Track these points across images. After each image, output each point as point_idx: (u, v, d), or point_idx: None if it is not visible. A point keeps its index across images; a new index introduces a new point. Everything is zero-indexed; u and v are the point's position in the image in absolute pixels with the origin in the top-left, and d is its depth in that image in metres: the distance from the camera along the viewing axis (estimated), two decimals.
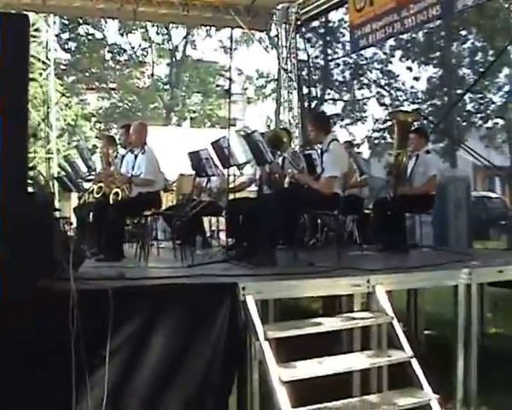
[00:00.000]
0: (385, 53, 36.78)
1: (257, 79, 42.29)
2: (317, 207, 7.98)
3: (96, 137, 34.56)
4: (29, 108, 5.76)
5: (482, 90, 33.70)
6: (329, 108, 35.91)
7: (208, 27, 36.60)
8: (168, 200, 12.32)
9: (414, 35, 32.23)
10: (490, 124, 36.61)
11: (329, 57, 37.29)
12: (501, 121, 36.38)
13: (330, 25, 36.06)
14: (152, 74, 43.78)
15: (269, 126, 38.48)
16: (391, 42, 32.48)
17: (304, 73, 21.78)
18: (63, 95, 21.36)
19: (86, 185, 11.02)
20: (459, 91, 34.59)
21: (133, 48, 41.57)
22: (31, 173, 11.56)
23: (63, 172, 12.19)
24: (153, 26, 39.08)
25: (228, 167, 8.52)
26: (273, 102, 41.39)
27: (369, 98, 38.52)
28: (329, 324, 5.96)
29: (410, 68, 36.71)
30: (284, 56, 18.08)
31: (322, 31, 35.49)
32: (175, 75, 42.54)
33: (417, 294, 8.94)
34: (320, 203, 7.71)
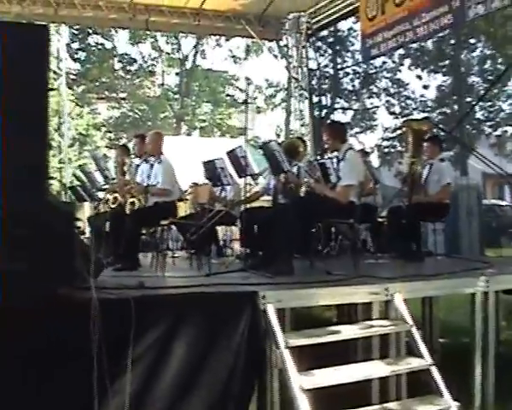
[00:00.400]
0: (394, 61, 36.83)
1: (266, 88, 42.43)
2: (333, 216, 7.99)
3: (107, 147, 34.70)
4: (49, 117, 5.79)
5: (492, 98, 33.67)
6: (339, 117, 35.88)
7: (218, 37, 36.62)
8: (181, 209, 12.34)
9: (423, 43, 32.19)
10: (499, 132, 36.54)
11: (339, 66, 37.35)
12: (511, 129, 36.33)
13: (339, 34, 36.13)
14: (162, 84, 43.86)
15: (278, 136, 38.52)
16: (400, 50, 32.47)
17: (314, 82, 21.79)
18: (77, 104, 21.38)
19: (100, 195, 11.05)
20: (469, 100, 34.59)
21: (143, 57, 41.71)
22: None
23: (77, 182, 12.23)
24: (162, 35, 39.16)
25: (244, 177, 8.52)
26: (282, 111, 41.53)
27: (378, 107, 38.57)
28: (349, 332, 5.99)
29: (419, 77, 36.77)
30: (294, 65, 18.11)
31: (331, 40, 35.54)
32: (185, 85, 42.56)
33: (432, 302, 8.93)
34: (337, 212, 7.72)
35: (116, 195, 9.48)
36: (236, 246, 11.69)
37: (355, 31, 35.33)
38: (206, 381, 5.16)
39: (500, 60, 32.61)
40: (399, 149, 36.12)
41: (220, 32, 21.01)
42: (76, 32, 36.46)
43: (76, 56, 38.23)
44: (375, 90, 38.22)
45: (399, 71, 37.35)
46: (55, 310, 4.68)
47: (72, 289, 5.01)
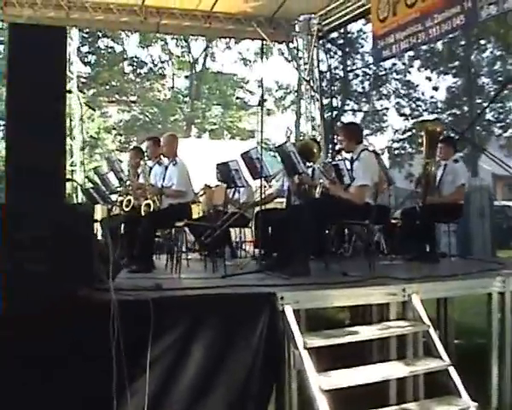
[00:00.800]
0: (404, 63, 36.83)
1: (276, 90, 42.41)
2: (348, 217, 7.98)
3: (118, 150, 34.75)
4: (66, 119, 5.82)
5: (502, 99, 33.61)
6: (349, 119, 35.89)
7: (228, 40, 36.67)
8: (194, 211, 12.36)
9: (433, 45, 32.16)
10: (509, 133, 36.47)
11: (348, 68, 37.35)
12: None
13: (349, 36, 36.15)
14: (172, 87, 43.87)
15: (289, 138, 38.49)
16: (410, 52, 32.46)
17: (324, 84, 21.77)
18: (90, 107, 21.33)
19: (113, 197, 11.08)
20: (479, 101, 34.55)
21: (153, 61, 41.73)
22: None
23: (90, 184, 12.27)
24: (172, 38, 39.22)
25: (258, 179, 8.52)
26: (292, 113, 41.53)
27: (388, 109, 38.56)
28: (367, 332, 5.99)
29: (429, 78, 36.73)
30: (305, 68, 18.12)
31: (341, 42, 35.55)
32: (195, 87, 42.56)
33: (447, 303, 8.92)
34: (352, 213, 7.71)
35: (130, 197, 9.52)
36: (249, 248, 11.71)
37: (365, 32, 35.49)
38: (225, 381, 5.17)
39: (510, 61, 32.57)
40: (410, 150, 36.13)
41: (231, 35, 21.08)
42: (86, 35, 36.53)
43: (86, 60, 38.33)
44: (385, 91, 38.22)
45: (409, 72, 37.36)
46: (74, 311, 4.69)
47: (91, 290, 5.03)
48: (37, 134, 5.12)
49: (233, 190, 10.41)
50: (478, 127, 33.78)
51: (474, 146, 29.96)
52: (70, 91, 19.28)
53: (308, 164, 9.15)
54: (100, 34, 36.82)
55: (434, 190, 9.32)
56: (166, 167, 9.13)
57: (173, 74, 43.78)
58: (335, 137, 19.61)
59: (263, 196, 8.89)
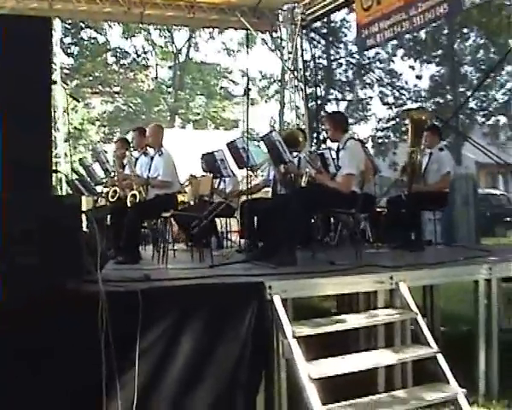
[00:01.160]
0: (387, 52, 36.86)
1: (260, 80, 42.39)
2: (335, 206, 7.99)
3: (102, 141, 34.62)
4: (52, 110, 5.78)
5: (485, 87, 33.70)
6: (333, 108, 35.95)
7: (211, 30, 36.56)
8: (179, 201, 12.33)
9: (416, 33, 32.19)
10: (492, 121, 36.60)
11: (332, 57, 37.35)
12: (503, 119, 36.41)
13: (333, 25, 36.12)
14: (155, 77, 43.75)
15: (273, 127, 38.48)
16: (393, 41, 32.47)
17: (307, 73, 21.79)
18: (74, 98, 21.25)
19: (98, 189, 11.05)
20: (462, 89, 34.66)
21: (136, 51, 41.55)
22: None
23: (75, 176, 12.21)
24: (155, 29, 39.08)
25: (244, 168, 8.52)
26: (276, 103, 41.52)
27: (371, 97, 38.60)
28: (355, 321, 6.01)
29: (412, 67, 36.79)
30: (289, 57, 18.11)
31: (324, 31, 35.50)
32: (178, 78, 42.45)
33: (433, 290, 8.96)
34: (338, 202, 7.72)
35: (115, 188, 9.50)
36: (234, 238, 11.71)
37: (348, 22, 35.48)
38: (214, 371, 5.18)
39: (493, 49, 32.68)
40: (393, 139, 36.22)
41: (214, 25, 20.96)
42: (68, 26, 36.26)
43: (69, 51, 38.08)
44: (369, 80, 38.24)
45: (392, 61, 37.36)
46: (63, 303, 4.68)
47: (80, 282, 5.02)
48: (22, 126, 5.08)
49: (219, 179, 10.39)
50: (461, 115, 33.86)
51: (459, 135, 30.05)
52: (55, 82, 19.12)
53: (294, 153, 9.15)
54: (83, 25, 36.61)
55: (420, 178, 9.34)
56: (152, 158, 9.09)
57: (157, 65, 43.68)
58: (320, 125, 19.65)
59: (249, 186, 8.88)
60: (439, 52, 35.74)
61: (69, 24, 35.53)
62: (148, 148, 9.35)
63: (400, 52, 36.56)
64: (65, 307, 4.69)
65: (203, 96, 42.72)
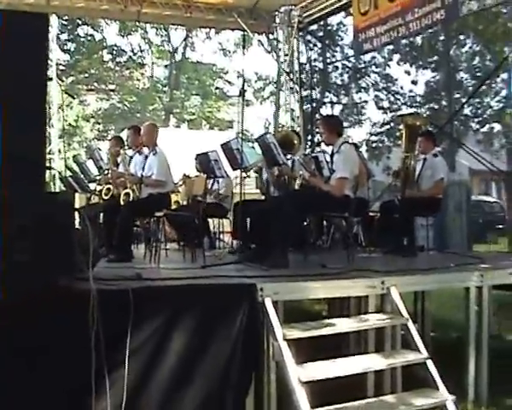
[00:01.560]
0: (383, 57, 36.77)
1: (255, 81, 42.31)
2: (328, 209, 8.00)
3: (96, 138, 34.58)
4: (47, 106, 5.78)
5: (480, 94, 33.72)
6: (328, 111, 35.84)
7: (207, 30, 36.51)
8: (173, 201, 12.31)
9: (412, 39, 32.20)
10: (486, 128, 36.61)
11: (328, 60, 37.31)
12: (498, 126, 36.42)
13: (329, 28, 36.09)
14: (151, 76, 43.66)
15: (267, 129, 38.46)
16: (389, 45, 32.46)
17: (303, 76, 21.78)
18: (69, 95, 21.22)
19: (91, 186, 11.02)
20: (457, 96, 34.68)
21: (132, 49, 41.44)
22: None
23: (68, 173, 12.18)
24: (152, 27, 38.95)
25: (238, 169, 8.52)
26: (271, 104, 41.50)
27: (367, 102, 38.56)
28: (346, 325, 6.02)
29: (408, 72, 36.74)
30: (285, 59, 18.12)
31: (320, 34, 35.47)
32: (174, 77, 42.36)
33: (424, 296, 8.97)
34: (331, 205, 7.73)
35: (109, 186, 9.50)
36: (227, 238, 11.71)
37: (345, 25, 35.42)
38: (204, 372, 5.19)
39: (489, 57, 32.70)
40: (388, 143, 36.20)
41: (211, 25, 20.98)
42: (65, 22, 36.13)
43: (65, 47, 37.97)
44: (364, 84, 38.21)
45: (388, 66, 37.31)
46: (55, 301, 4.68)
47: (72, 279, 5.01)
48: (17, 122, 5.07)
49: (212, 180, 10.39)
50: (456, 122, 33.86)
51: (453, 140, 30.07)
52: (51, 79, 19.11)
53: (288, 155, 9.15)
54: (79, 22, 36.49)
55: (413, 183, 9.34)
56: (146, 157, 9.09)
57: (152, 63, 43.55)
58: (314, 128, 19.65)
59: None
60: (435, 58, 35.69)
61: (66, 20, 35.36)
62: (142, 147, 9.35)
63: (396, 57, 36.51)
64: (56, 305, 4.69)
65: (198, 95, 42.63)
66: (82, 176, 10.91)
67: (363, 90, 38.20)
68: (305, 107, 20.23)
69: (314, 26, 22.64)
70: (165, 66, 44.10)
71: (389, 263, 8.35)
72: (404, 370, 6.01)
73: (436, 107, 35.97)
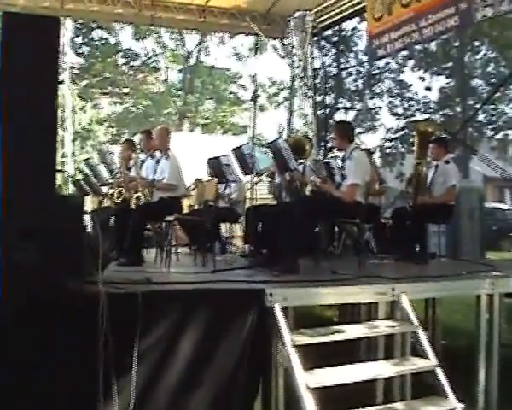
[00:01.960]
0: (397, 63, 36.72)
1: (269, 86, 42.29)
2: (339, 216, 7.98)
3: (109, 142, 34.61)
4: (58, 110, 5.79)
5: (494, 101, 33.61)
6: (341, 117, 35.79)
7: (222, 34, 36.51)
8: (185, 205, 12.31)
9: (426, 45, 32.09)
10: (501, 135, 36.46)
11: (342, 66, 37.27)
12: None
13: (343, 34, 36.06)
14: (165, 80, 43.70)
15: (281, 134, 38.45)
16: (403, 51, 32.37)
17: (317, 81, 21.78)
18: (83, 98, 21.35)
19: (104, 189, 11.04)
20: (471, 102, 34.57)
21: (147, 53, 41.55)
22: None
23: (80, 176, 12.21)
24: (166, 31, 38.99)
25: (250, 174, 8.52)
26: (285, 110, 41.47)
27: (380, 107, 38.49)
28: (355, 331, 6.00)
29: (422, 78, 36.65)
30: (299, 64, 18.10)
31: (335, 39, 35.44)
32: (188, 81, 42.43)
33: (435, 303, 8.93)
34: (342, 211, 7.71)
35: (120, 189, 9.51)
36: (238, 243, 11.70)
37: (359, 31, 35.37)
38: (212, 376, 5.18)
39: (503, 63, 32.60)
40: (401, 150, 36.11)
41: (225, 29, 20.95)
42: (80, 26, 36.26)
43: (79, 51, 38.10)
44: (378, 90, 38.15)
45: (402, 72, 37.26)
46: (64, 304, 4.68)
47: (81, 283, 5.02)
48: (28, 124, 5.09)
49: (224, 184, 10.39)
50: (470, 128, 33.74)
51: (466, 147, 29.98)
52: (62, 82, 19.18)
53: (300, 161, 9.14)
54: (94, 26, 36.62)
55: (425, 190, 9.30)
56: (158, 161, 9.11)
57: (167, 67, 43.57)
58: (328, 134, 19.60)
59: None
60: (450, 64, 35.60)
61: (80, 24, 35.52)
62: (155, 150, 9.36)
63: (410, 63, 36.44)
64: (65, 308, 4.69)
65: (212, 100, 42.72)
66: (94, 179, 10.94)
67: (377, 96, 38.11)
68: (318, 112, 20.19)
69: (328, 32, 22.62)
70: (180, 70, 44.14)
71: (400, 270, 8.30)
72: (414, 377, 5.99)
73: (450, 113, 35.84)
